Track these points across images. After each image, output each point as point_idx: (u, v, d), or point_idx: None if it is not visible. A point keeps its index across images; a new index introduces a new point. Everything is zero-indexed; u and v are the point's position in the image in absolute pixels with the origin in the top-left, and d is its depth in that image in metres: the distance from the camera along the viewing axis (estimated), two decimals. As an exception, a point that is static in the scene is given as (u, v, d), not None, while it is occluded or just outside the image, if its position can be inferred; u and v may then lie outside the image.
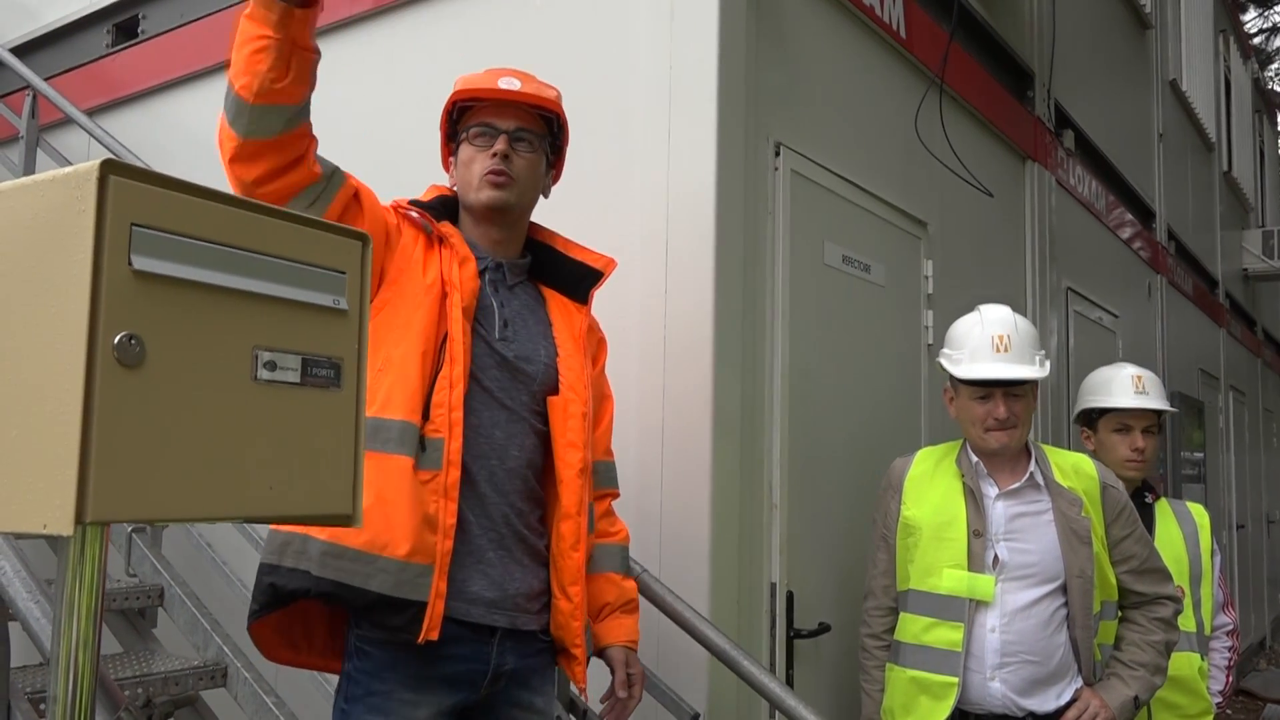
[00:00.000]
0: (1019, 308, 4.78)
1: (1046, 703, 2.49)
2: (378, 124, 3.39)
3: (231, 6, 4.02)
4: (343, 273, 1.23)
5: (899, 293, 3.63)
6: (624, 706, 2.10)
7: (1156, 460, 3.30)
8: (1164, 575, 2.65)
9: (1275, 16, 19.50)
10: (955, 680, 2.47)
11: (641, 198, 2.79)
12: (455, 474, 1.86)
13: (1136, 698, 2.53)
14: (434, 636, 1.81)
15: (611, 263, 2.18)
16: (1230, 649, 3.22)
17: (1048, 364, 2.62)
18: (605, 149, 2.88)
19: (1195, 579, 3.12)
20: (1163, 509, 3.21)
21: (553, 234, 2.20)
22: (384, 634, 1.85)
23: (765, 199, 2.91)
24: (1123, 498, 2.64)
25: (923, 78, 3.85)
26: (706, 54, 2.72)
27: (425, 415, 1.86)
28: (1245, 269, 10.80)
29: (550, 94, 2.10)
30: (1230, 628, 3.25)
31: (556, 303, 2.14)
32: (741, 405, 2.73)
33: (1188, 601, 3.06)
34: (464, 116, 2.08)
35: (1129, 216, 6.57)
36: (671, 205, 2.73)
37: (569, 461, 2.01)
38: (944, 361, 2.69)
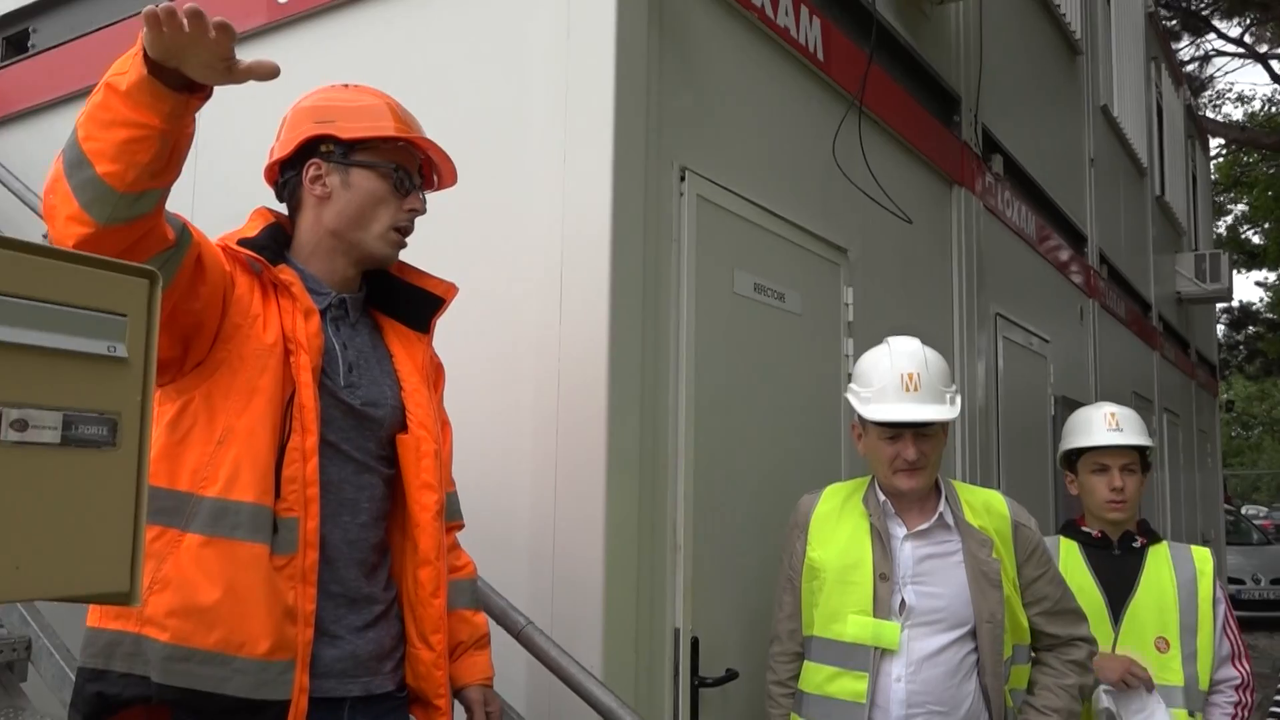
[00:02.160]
0: (946, 333, 4.75)
1: (955, 755, 2.37)
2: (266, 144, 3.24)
3: (127, 18, 3.84)
4: (123, 315, 1.09)
5: (817, 321, 3.53)
6: None
7: (1139, 501, 3.02)
8: (1078, 616, 2.56)
9: (1206, 45, 19.93)
10: (859, 733, 2.35)
11: (536, 225, 2.66)
12: (313, 556, 1.70)
13: (1048, 745, 2.43)
14: None
15: (452, 288, 2.03)
16: (1236, 704, 2.89)
17: (959, 401, 2.52)
18: (499, 175, 2.75)
19: (1188, 630, 2.87)
20: (1155, 555, 2.97)
21: None
22: None
23: (669, 226, 2.80)
24: (1035, 536, 2.54)
25: (842, 101, 3.77)
26: (602, 75, 2.60)
27: (276, 492, 1.69)
28: (1179, 292, 10.93)
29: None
30: (1238, 681, 2.91)
31: (395, 332, 1.98)
32: (640, 441, 2.60)
33: (1175, 654, 2.83)
34: (362, 143, 1.88)
35: (1060, 241, 6.57)
36: (566, 233, 2.60)
37: (425, 504, 1.87)
38: (851, 399, 2.58)
